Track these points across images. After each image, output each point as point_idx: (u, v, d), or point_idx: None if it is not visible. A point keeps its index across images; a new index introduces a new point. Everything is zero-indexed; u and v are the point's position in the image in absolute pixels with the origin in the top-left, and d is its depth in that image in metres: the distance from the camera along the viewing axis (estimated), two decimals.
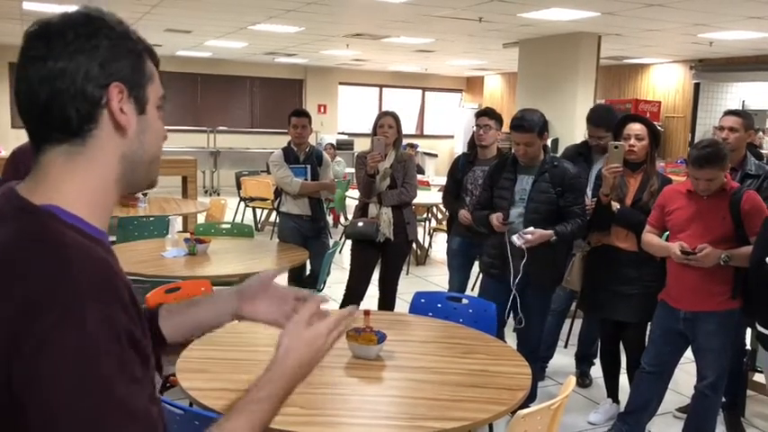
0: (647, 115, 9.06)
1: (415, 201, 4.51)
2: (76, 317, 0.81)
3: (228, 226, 5.12)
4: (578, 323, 4.52)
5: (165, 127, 1.04)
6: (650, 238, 3.23)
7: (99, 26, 0.93)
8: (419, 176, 6.05)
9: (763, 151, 6.90)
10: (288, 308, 1.26)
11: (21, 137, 1.01)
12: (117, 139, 0.95)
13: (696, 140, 10.61)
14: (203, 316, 1.27)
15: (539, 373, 4.03)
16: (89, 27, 0.93)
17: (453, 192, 4.44)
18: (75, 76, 0.90)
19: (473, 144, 4.44)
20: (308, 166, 4.82)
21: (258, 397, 1.04)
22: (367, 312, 2.72)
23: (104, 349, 0.81)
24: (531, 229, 3.31)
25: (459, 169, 4.41)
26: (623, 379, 3.71)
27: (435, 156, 14.60)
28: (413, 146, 11.41)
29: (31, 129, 0.95)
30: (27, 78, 0.91)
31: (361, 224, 4.30)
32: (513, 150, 3.52)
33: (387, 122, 4.29)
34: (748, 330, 3.69)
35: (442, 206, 6.73)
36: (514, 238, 3.31)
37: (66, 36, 0.91)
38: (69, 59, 0.90)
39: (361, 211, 4.38)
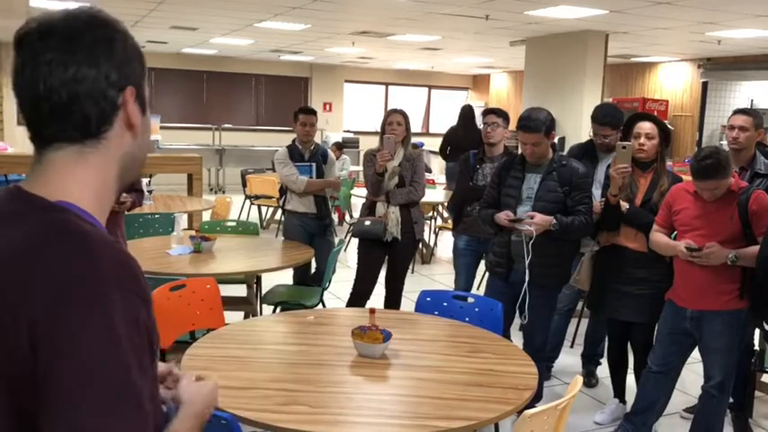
0: (655, 114, 9.02)
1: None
2: (102, 305, 0.85)
3: (234, 224, 5.11)
4: (584, 323, 4.50)
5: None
6: (658, 237, 3.21)
7: (112, 28, 0.96)
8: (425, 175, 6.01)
9: None
10: None
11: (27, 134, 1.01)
12: (126, 138, 0.99)
13: (704, 140, 10.65)
14: None
15: (544, 372, 4.02)
16: (105, 29, 0.96)
17: (469, 197, 4.32)
18: (98, 80, 0.94)
19: (480, 142, 4.43)
20: (314, 164, 4.80)
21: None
22: (372, 311, 2.72)
23: (125, 336, 0.85)
24: (532, 213, 3.31)
25: (470, 167, 4.37)
26: (630, 379, 3.70)
27: None
28: (416, 146, 11.41)
29: (37, 128, 0.95)
30: (44, 80, 0.92)
31: (368, 223, 4.28)
32: (519, 150, 3.51)
33: (396, 120, 4.27)
34: (756, 331, 3.67)
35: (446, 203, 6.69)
36: (520, 225, 3.30)
37: (83, 38, 0.93)
38: (93, 63, 0.93)
39: (369, 209, 4.35)
